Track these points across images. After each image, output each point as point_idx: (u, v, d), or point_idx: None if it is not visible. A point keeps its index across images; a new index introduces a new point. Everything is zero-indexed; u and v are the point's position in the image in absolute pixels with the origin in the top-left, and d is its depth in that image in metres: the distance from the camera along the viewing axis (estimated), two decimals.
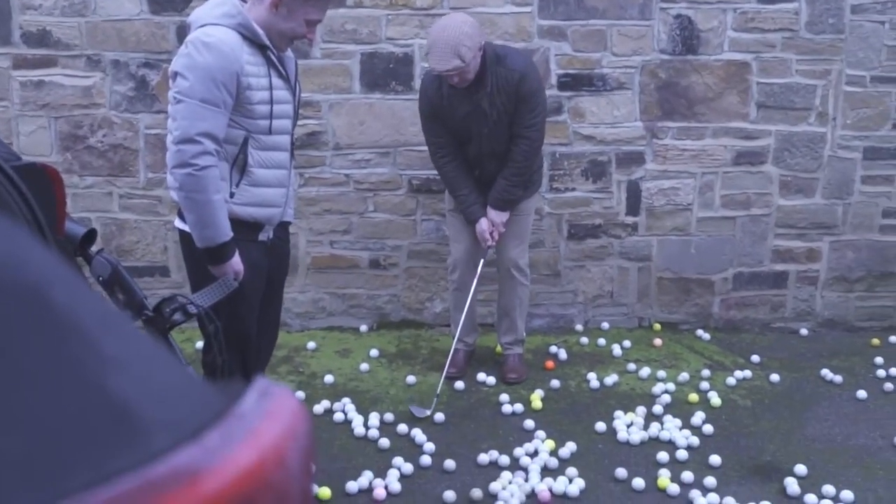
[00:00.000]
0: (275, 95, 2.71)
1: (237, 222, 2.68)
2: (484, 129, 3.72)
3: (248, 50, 2.63)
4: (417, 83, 4.33)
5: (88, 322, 0.54)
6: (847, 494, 3.10)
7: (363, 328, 4.66)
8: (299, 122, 3.45)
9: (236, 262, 2.67)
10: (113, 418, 0.60)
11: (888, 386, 4.11)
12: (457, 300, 4.06)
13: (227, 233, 2.62)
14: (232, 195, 2.69)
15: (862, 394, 4.01)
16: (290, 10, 2.66)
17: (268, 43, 2.68)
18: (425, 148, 4.05)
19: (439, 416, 3.65)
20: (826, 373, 4.23)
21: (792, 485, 3.15)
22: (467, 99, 3.67)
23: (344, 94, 4.45)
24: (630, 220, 4.73)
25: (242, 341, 2.80)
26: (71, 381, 0.52)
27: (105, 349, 0.56)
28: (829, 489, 3.13)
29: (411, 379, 4.02)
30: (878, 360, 4.41)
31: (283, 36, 2.71)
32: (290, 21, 2.68)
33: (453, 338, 4.05)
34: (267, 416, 0.78)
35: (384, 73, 4.42)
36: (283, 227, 2.99)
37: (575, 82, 4.51)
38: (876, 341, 4.71)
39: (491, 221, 3.85)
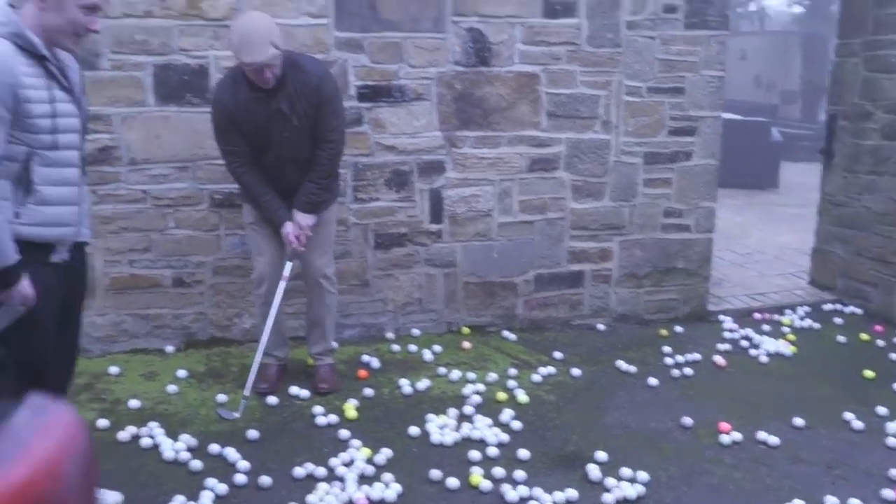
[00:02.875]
0: (57, 108, 2.56)
1: (25, 244, 2.51)
2: (285, 134, 3.69)
3: (25, 61, 2.47)
4: (211, 95, 4.24)
5: None
6: (642, 475, 3.32)
7: (169, 348, 4.48)
8: (89, 137, 3.28)
9: (24, 286, 2.49)
10: None
11: (675, 372, 4.46)
12: (265, 314, 3.99)
13: (11, 255, 2.44)
14: (17, 215, 2.51)
15: (653, 381, 4.32)
16: (57, 0, 2.51)
17: (45, 53, 2.53)
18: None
19: (253, 434, 3.57)
20: (621, 364, 4.53)
21: (593, 471, 3.33)
22: (266, 103, 3.63)
23: (137, 107, 4.27)
24: (434, 227, 4.84)
25: (38, 368, 2.62)
26: None
27: None
28: (626, 472, 3.34)
29: (222, 397, 3.91)
30: (666, 349, 4.77)
31: (63, 33, 2.55)
32: (62, 13, 2.51)
33: (261, 353, 3.98)
34: (40, 431, 0.76)
35: (178, 84, 4.29)
36: (77, 247, 2.83)
37: (374, 93, 4.57)
38: (664, 332, 5.09)
39: (298, 224, 3.82)
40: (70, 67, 2.69)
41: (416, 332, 4.87)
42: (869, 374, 4.50)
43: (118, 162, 4.30)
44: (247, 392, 3.75)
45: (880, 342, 5.05)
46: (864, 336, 5.11)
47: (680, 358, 4.65)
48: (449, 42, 4.62)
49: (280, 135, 3.69)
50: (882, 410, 4.02)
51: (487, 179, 4.89)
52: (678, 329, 5.16)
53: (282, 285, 3.87)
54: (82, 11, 2.54)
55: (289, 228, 3.81)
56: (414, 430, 3.67)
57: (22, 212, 2.53)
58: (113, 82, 4.21)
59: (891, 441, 3.72)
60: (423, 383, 4.17)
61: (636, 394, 4.21)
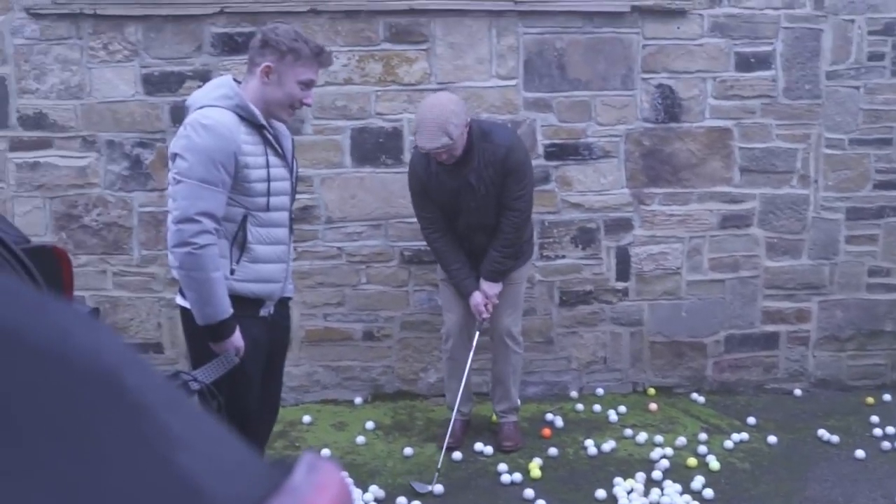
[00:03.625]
0: (272, 173, 2.76)
1: (238, 298, 2.71)
2: (472, 203, 3.79)
3: (245, 130, 2.70)
4: (406, 156, 4.42)
5: (156, 403, 0.57)
6: None
7: (358, 400, 4.64)
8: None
9: (237, 338, 2.68)
10: (183, 495, 0.63)
11: (885, 445, 4.12)
12: (451, 370, 4.06)
13: (227, 310, 2.64)
14: (232, 272, 2.72)
15: (860, 453, 4.01)
16: (280, 75, 2.73)
17: (264, 122, 2.75)
18: (416, 220, 4.10)
19: (438, 488, 3.62)
20: (823, 433, 4.24)
21: None
22: (455, 174, 3.74)
23: (335, 168, 4.52)
24: (620, 285, 4.77)
25: (243, 417, 2.80)
26: (145, 461, 0.55)
27: (173, 428, 0.59)
28: None
29: (408, 451, 4.00)
30: (874, 418, 4.42)
31: (280, 105, 2.78)
32: (283, 87, 2.74)
33: (450, 409, 4.04)
34: (317, 488, 0.81)
35: (374, 147, 4.51)
36: (282, 302, 3.01)
37: (561, 152, 4.61)
38: (870, 399, 4.73)
39: (484, 293, 3.89)
40: (283, 135, 2.91)
41: (600, 391, 4.79)
42: None
43: (317, 220, 4.55)
44: (439, 465, 3.75)
45: None
46: None
47: (890, 429, 4.29)
48: (638, 99, 4.59)
49: (468, 204, 3.79)
50: None
51: (676, 236, 4.78)
52: (887, 397, 4.78)
53: (472, 351, 3.94)
54: (299, 87, 2.76)
55: (477, 299, 3.89)
56: (600, 493, 3.59)
57: (237, 269, 2.73)
58: (314, 145, 4.48)
59: None
60: (609, 444, 4.08)
61: (841, 466, 3.92)
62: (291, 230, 2.99)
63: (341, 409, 4.55)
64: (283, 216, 2.86)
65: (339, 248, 4.58)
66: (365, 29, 4.41)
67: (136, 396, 0.55)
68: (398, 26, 4.42)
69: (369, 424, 4.31)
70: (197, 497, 0.63)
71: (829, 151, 4.81)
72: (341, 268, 4.59)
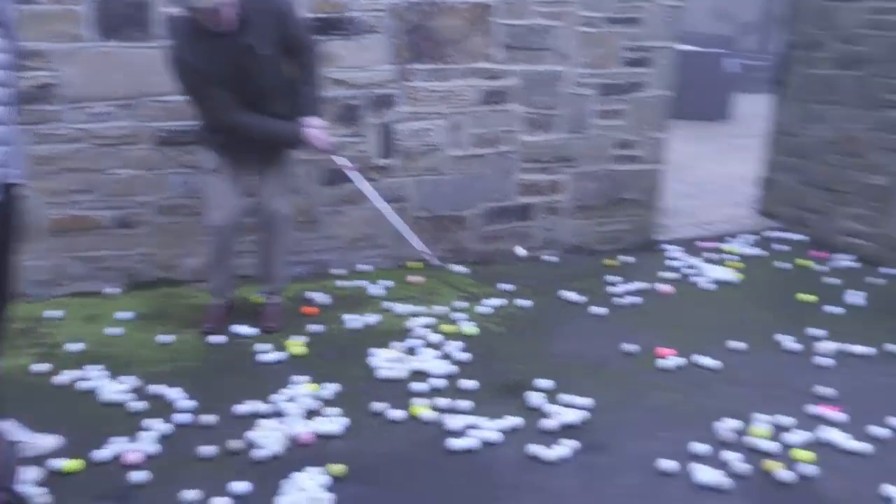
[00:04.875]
0: None
1: None
2: (256, 66, 3.65)
3: None
4: (156, 29, 4.15)
5: None
6: (585, 401, 3.39)
7: (113, 290, 4.45)
8: (27, 75, 3.18)
9: None
10: None
11: (621, 301, 4.52)
12: (217, 260, 3.95)
13: None
14: None
15: (599, 310, 4.39)
16: None
17: None
18: (171, 98, 3.91)
19: (196, 372, 3.58)
20: (570, 294, 4.58)
21: (536, 397, 3.40)
22: (230, 44, 3.57)
23: (76, 42, 4.15)
24: (384, 162, 4.82)
25: None
26: None
27: None
28: (569, 398, 3.41)
29: (166, 338, 3.90)
30: (613, 278, 4.83)
31: None
32: None
33: (213, 294, 3.98)
34: None
35: (120, 19, 4.17)
36: (6, 189, 2.76)
37: (325, 25, 4.49)
38: (612, 262, 5.14)
39: (314, 128, 3.83)
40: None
41: (366, 267, 4.88)
42: (807, 297, 4.60)
43: (57, 100, 4.19)
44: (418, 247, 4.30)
45: (821, 268, 5.15)
46: (806, 262, 5.21)
47: (627, 287, 4.71)
48: None
49: (253, 68, 3.64)
50: (816, 332, 4.14)
51: (438, 113, 4.85)
52: (627, 259, 5.22)
53: (360, 177, 4.09)
54: None
55: (314, 131, 3.83)
56: (361, 365, 3.70)
57: None
58: (49, 16, 4.06)
59: (822, 361, 3.85)
60: (372, 318, 4.20)
61: (582, 323, 4.27)
62: (18, 109, 2.72)
63: (95, 301, 4.34)
64: (1, 93, 2.59)
65: (83, 129, 4.27)
66: None
67: None
68: None
69: (125, 315, 4.15)
70: None
71: (583, 29, 5.00)
72: (87, 151, 4.30)
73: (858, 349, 3.97)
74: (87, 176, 4.32)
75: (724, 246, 5.53)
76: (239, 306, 4.20)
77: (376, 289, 4.58)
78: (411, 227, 4.79)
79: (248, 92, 3.70)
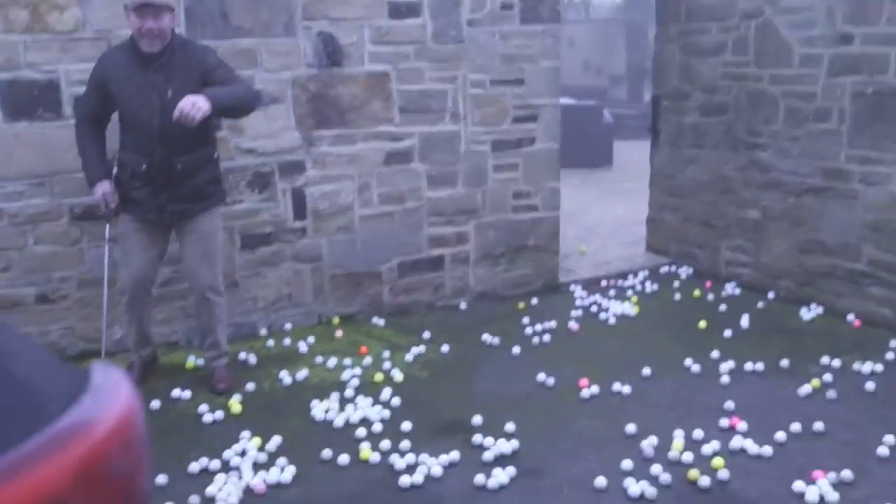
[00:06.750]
0: None
1: None
2: (156, 103, 3.78)
3: None
4: (66, 110, 4.25)
5: None
6: (516, 432, 3.65)
7: None
8: None
9: None
10: (23, 394, 0.98)
11: (535, 340, 4.84)
12: (130, 320, 4.10)
13: None
14: None
15: (516, 350, 4.68)
16: None
17: None
18: (83, 174, 3.98)
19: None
20: (486, 337, 4.86)
21: (472, 433, 3.63)
22: (145, 68, 3.78)
23: None
24: (298, 224, 5.01)
25: None
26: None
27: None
28: (501, 430, 3.65)
29: None
30: (525, 320, 5.15)
31: None
32: None
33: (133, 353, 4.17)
34: (114, 383, 1.11)
35: (29, 100, 4.25)
36: None
37: None
38: (521, 305, 5.47)
39: (190, 99, 3.60)
40: None
41: (288, 325, 5.03)
42: (702, 324, 5.04)
43: None
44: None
45: (710, 296, 5.64)
46: (697, 292, 5.68)
47: (538, 327, 5.03)
48: (301, 45, 4.79)
49: (151, 102, 3.79)
50: (715, 354, 4.55)
51: (347, 175, 5.10)
52: (534, 301, 5.56)
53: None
54: None
55: (106, 187, 3.94)
56: (300, 417, 3.84)
57: None
58: None
59: (723, 380, 4.24)
60: (302, 373, 4.35)
61: (501, 363, 4.55)
62: None
63: None
64: None
65: None
66: None
67: None
68: None
69: None
70: (34, 395, 0.91)
71: (474, 91, 5.38)
72: (4, 230, 4.31)
73: (752, 366, 4.39)
74: (6, 254, 4.33)
75: (623, 283, 5.96)
76: (170, 371, 4.27)
77: (303, 345, 4.73)
78: (328, 286, 4.99)
79: (143, 121, 3.81)
